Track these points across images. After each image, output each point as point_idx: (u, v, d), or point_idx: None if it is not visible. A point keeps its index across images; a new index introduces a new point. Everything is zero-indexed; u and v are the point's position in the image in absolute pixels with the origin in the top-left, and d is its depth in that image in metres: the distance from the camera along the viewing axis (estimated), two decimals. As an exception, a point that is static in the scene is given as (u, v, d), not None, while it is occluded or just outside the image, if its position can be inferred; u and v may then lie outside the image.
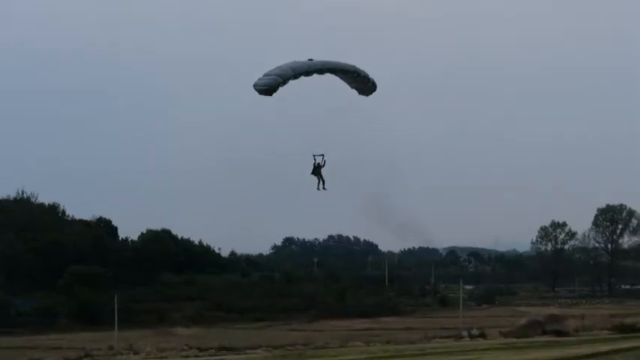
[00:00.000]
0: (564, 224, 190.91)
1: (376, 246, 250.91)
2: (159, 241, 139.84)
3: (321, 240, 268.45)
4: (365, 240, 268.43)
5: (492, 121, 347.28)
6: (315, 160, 30.30)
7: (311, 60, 29.11)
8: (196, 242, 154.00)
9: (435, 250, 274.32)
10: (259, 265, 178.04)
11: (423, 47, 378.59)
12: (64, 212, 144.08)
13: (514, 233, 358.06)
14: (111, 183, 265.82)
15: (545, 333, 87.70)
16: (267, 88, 27.45)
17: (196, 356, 70.92)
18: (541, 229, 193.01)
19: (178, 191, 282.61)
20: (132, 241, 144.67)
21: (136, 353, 74.12)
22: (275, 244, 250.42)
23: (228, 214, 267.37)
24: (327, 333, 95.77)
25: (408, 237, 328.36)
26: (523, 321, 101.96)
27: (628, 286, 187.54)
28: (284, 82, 27.68)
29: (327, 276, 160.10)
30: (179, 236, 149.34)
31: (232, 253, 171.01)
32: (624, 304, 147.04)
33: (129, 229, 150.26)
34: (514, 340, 76.89)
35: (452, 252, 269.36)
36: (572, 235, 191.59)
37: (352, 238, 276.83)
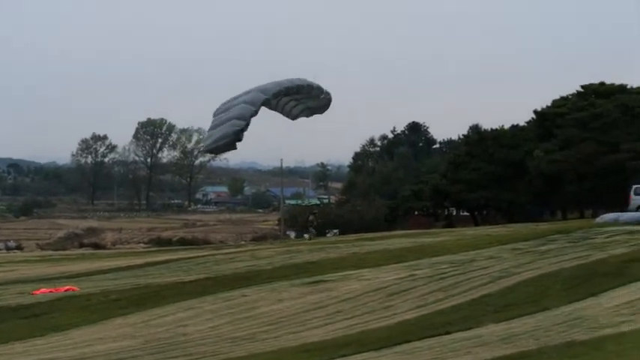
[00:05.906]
0: (105, 137, 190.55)
1: None
2: None
3: None
4: None
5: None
6: None
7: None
8: None
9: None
10: None
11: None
12: None
13: (53, 145, 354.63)
14: None
15: (83, 245, 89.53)
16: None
17: None
18: (82, 141, 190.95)
19: None
20: None
21: None
22: None
23: None
24: None
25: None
26: (61, 234, 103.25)
27: (166, 200, 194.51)
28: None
29: None
30: None
31: None
32: (162, 217, 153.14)
33: None
34: (51, 252, 77.49)
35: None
36: (112, 148, 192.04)
37: None
